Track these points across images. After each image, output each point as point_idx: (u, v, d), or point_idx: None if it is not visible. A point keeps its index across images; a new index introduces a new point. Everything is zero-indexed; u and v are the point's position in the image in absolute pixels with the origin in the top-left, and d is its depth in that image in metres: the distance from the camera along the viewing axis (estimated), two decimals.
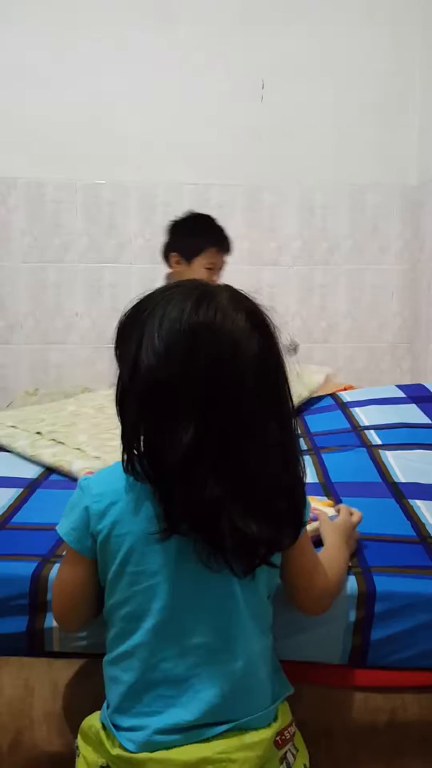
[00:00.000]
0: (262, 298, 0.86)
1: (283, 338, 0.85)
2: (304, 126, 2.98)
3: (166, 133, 2.93)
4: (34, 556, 1.09)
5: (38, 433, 1.71)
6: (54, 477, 1.50)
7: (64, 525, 0.89)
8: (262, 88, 2.98)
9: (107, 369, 2.33)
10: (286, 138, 2.99)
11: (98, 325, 2.99)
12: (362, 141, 3.02)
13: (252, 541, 0.80)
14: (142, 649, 0.84)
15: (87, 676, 1.02)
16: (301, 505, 0.85)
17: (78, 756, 0.90)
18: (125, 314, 0.88)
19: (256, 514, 0.79)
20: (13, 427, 1.78)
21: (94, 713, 0.92)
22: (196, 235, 2.36)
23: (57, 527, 0.91)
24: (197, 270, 2.31)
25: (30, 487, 1.42)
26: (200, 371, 0.78)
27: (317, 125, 2.99)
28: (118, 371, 0.86)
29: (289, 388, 0.85)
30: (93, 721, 0.90)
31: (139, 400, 0.80)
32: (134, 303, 0.87)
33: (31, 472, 1.52)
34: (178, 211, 2.84)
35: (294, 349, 2.64)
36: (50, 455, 1.56)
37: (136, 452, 0.82)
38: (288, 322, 2.64)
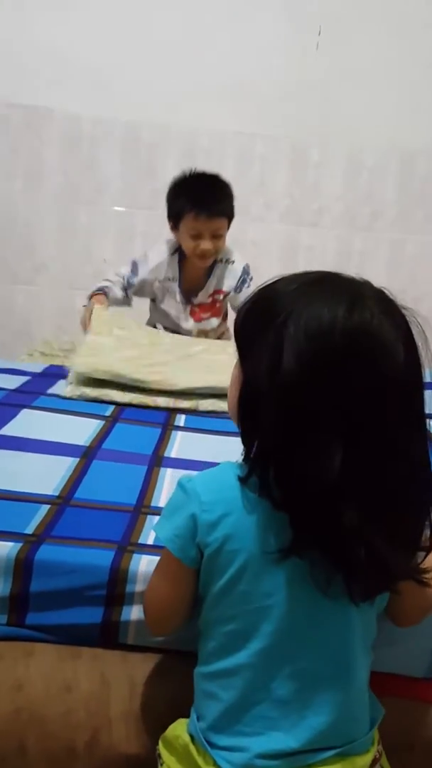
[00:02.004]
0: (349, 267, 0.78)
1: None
2: (359, 81, 2.82)
3: (213, 77, 2.76)
4: (108, 542, 1.03)
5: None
6: (106, 445, 1.43)
7: (165, 529, 0.81)
8: (319, 34, 2.80)
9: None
10: (339, 92, 2.83)
11: None
12: (420, 103, 2.86)
13: (388, 569, 0.73)
14: (247, 670, 0.79)
15: (164, 674, 0.97)
16: None
17: (161, 765, 0.86)
18: (248, 313, 0.79)
19: (397, 541, 0.73)
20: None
21: (179, 722, 0.87)
22: (176, 199, 2.12)
23: (155, 528, 0.83)
24: (184, 237, 2.11)
25: (85, 456, 1.35)
26: (354, 380, 0.69)
27: (374, 81, 2.83)
28: (242, 373, 0.79)
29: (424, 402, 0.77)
30: (179, 731, 0.85)
31: (279, 410, 0.72)
32: (256, 300, 0.79)
33: (82, 437, 1.45)
34: (220, 160, 2.72)
35: None
36: None
37: (260, 467, 0.75)
38: None
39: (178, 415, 1.69)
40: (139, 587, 0.97)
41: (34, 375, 1.92)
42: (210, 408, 1.75)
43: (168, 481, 1.27)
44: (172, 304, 2.27)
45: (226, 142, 2.83)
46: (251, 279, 2.24)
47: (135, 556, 1.00)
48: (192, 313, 2.29)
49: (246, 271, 2.25)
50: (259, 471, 0.75)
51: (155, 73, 2.75)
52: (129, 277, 2.20)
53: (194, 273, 2.23)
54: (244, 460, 0.79)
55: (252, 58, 2.77)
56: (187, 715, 0.87)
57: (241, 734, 0.79)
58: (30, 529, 1.05)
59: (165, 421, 1.64)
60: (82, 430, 1.49)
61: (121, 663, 0.98)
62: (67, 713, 0.94)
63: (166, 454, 1.41)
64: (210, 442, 1.52)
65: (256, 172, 2.84)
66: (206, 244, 2.09)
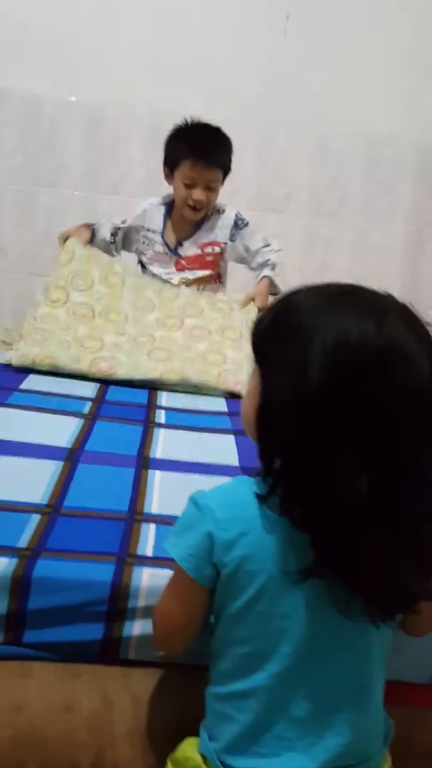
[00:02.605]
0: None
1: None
2: (326, 67, 2.79)
3: (179, 60, 2.68)
4: (106, 554, 1.00)
5: None
6: (89, 446, 1.38)
7: (178, 547, 0.79)
8: (287, 20, 2.76)
9: None
10: (306, 78, 2.79)
11: None
12: (384, 90, 2.85)
13: (409, 591, 0.73)
14: (264, 693, 0.77)
15: (168, 690, 0.95)
16: None
17: None
18: (269, 325, 0.77)
19: (419, 561, 0.72)
20: None
21: (188, 741, 0.85)
22: (174, 146, 2.09)
23: (167, 546, 0.80)
24: (177, 185, 2.08)
25: (69, 459, 1.30)
26: (381, 397, 0.67)
27: (339, 68, 2.80)
28: (262, 386, 0.76)
29: None
30: (189, 752, 0.83)
31: (303, 428, 0.69)
32: (277, 312, 0.76)
33: (63, 437, 1.40)
34: None
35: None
36: None
37: (281, 485, 0.73)
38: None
39: (157, 412, 1.65)
40: (141, 602, 0.94)
41: (1, 368, 1.85)
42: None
43: (158, 484, 1.24)
44: (157, 259, 2.22)
45: None
46: (246, 224, 2.22)
47: (136, 569, 0.97)
48: (177, 264, 2.22)
49: (239, 218, 2.22)
50: (279, 490, 0.73)
51: (119, 53, 2.65)
52: (119, 223, 2.20)
53: (181, 224, 2.18)
54: (261, 476, 0.76)
55: (219, 42, 2.70)
56: (194, 733, 0.85)
57: (258, 755, 0.78)
58: (23, 542, 1.01)
59: (145, 418, 1.60)
60: (61, 430, 1.45)
61: (122, 679, 0.95)
62: (69, 734, 0.91)
63: (151, 455, 1.38)
64: (193, 439, 1.50)
65: None
66: (199, 194, 2.05)
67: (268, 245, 2.24)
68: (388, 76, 2.82)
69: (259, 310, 2.11)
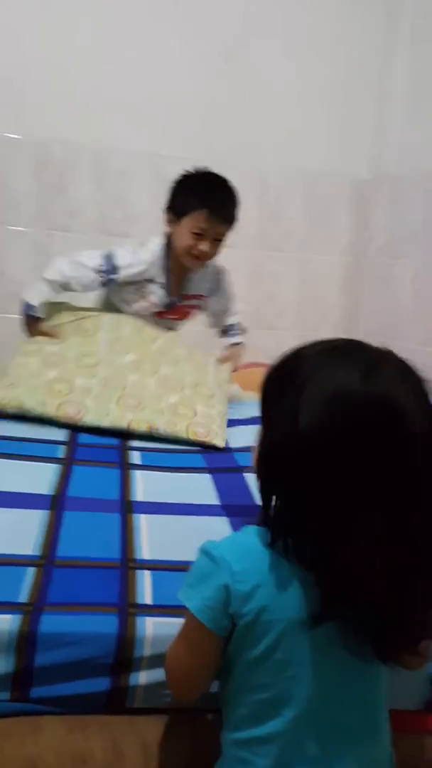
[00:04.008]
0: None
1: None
2: (265, 104, 2.90)
3: (122, 96, 2.74)
4: (107, 606, 1.02)
5: None
6: (71, 492, 1.40)
7: (194, 599, 0.81)
8: (225, 62, 2.85)
9: None
10: (246, 114, 2.89)
11: None
12: (320, 128, 2.99)
13: (417, 631, 0.78)
14: (282, 738, 0.80)
15: (175, 734, 0.98)
16: None
17: None
18: (271, 375, 0.82)
19: (426, 601, 0.78)
20: None
21: None
22: (187, 193, 2.02)
23: (181, 596, 0.83)
24: (183, 233, 2.00)
25: (54, 507, 1.32)
26: (371, 446, 0.72)
27: (277, 105, 2.92)
28: (263, 433, 0.81)
29: None
30: None
31: (295, 473, 0.74)
32: (280, 363, 0.82)
33: (43, 484, 1.41)
34: (134, 180, 2.72)
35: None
36: None
37: (282, 532, 0.78)
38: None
39: (130, 453, 1.68)
40: (146, 651, 0.97)
41: None
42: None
43: (144, 528, 1.27)
44: (143, 310, 2.16)
45: (138, 163, 2.82)
46: (225, 279, 2.24)
47: (138, 619, 0.99)
48: (157, 314, 2.19)
49: (220, 272, 2.23)
50: (281, 536, 0.78)
51: (64, 89, 2.69)
52: (106, 272, 2.04)
53: (178, 276, 2.14)
54: (264, 523, 0.81)
55: (160, 77, 2.77)
56: None
57: None
58: (23, 597, 1.02)
59: (119, 459, 1.62)
60: (40, 477, 1.46)
61: (129, 727, 0.97)
62: None
63: (132, 498, 1.40)
64: (171, 480, 1.53)
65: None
66: (207, 246, 2.02)
67: (235, 308, 2.32)
68: (322, 115, 2.96)
69: (234, 370, 2.19)
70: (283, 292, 3.10)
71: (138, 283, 2.11)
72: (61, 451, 1.63)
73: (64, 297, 2.11)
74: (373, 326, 2.99)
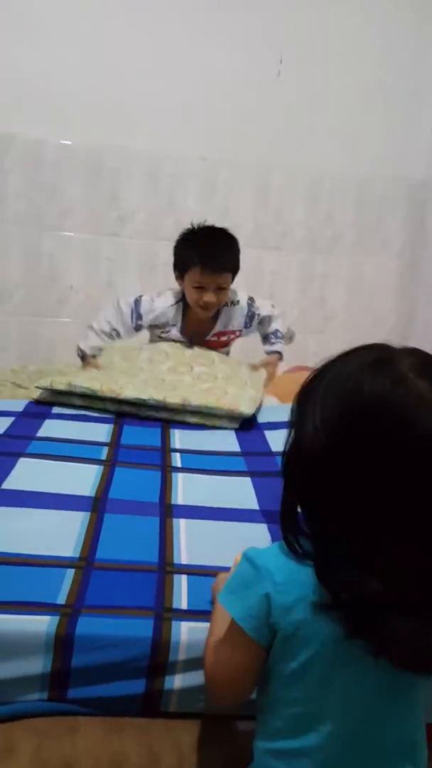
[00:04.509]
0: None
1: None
2: (318, 108, 2.89)
3: (176, 103, 2.77)
4: (144, 609, 1.03)
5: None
6: (112, 494, 1.41)
7: (237, 608, 0.80)
8: (280, 62, 2.85)
9: None
10: (299, 119, 2.89)
11: (92, 299, 2.84)
12: (373, 130, 2.96)
13: None
14: (319, 753, 0.79)
15: (210, 741, 0.97)
16: None
17: None
18: (306, 380, 0.81)
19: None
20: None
21: None
22: (184, 251, 2.17)
23: (222, 601, 0.81)
24: (187, 288, 2.17)
25: (95, 509, 1.33)
26: (383, 441, 0.69)
27: (331, 109, 2.90)
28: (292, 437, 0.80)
29: None
30: None
31: (311, 473, 0.74)
32: (319, 367, 0.81)
33: (85, 486, 1.44)
34: (185, 186, 2.73)
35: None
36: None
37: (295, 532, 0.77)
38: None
39: (173, 455, 1.69)
40: (181, 656, 0.97)
41: (17, 415, 1.88)
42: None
43: (183, 533, 1.27)
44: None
45: (190, 168, 2.84)
46: (257, 308, 2.33)
47: (174, 623, 1.00)
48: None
49: (250, 305, 2.32)
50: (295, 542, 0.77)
51: (117, 98, 2.73)
52: (135, 318, 2.26)
53: (198, 320, 2.27)
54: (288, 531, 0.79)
55: (215, 85, 2.79)
56: None
57: None
58: (61, 599, 1.03)
59: (161, 462, 1.63)
60: (82, 478, 1.48)
61: (165, 732, 0.97)
62: None
63: (173, 502, 1.41)
64: (212, 483, 1.53)
65: (220, 198, 2.86)
66: (210, 297, 2.14)
67: (274, 315, 2.37)
68: (376, 118, 2.93)
69: (269, 377, 2.26)
70: (333, 295, 3.07)
71: (161, 326, 2.30)
72: (104, 453, 1.65)
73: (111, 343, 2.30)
74: (430, 332, 2.93)
